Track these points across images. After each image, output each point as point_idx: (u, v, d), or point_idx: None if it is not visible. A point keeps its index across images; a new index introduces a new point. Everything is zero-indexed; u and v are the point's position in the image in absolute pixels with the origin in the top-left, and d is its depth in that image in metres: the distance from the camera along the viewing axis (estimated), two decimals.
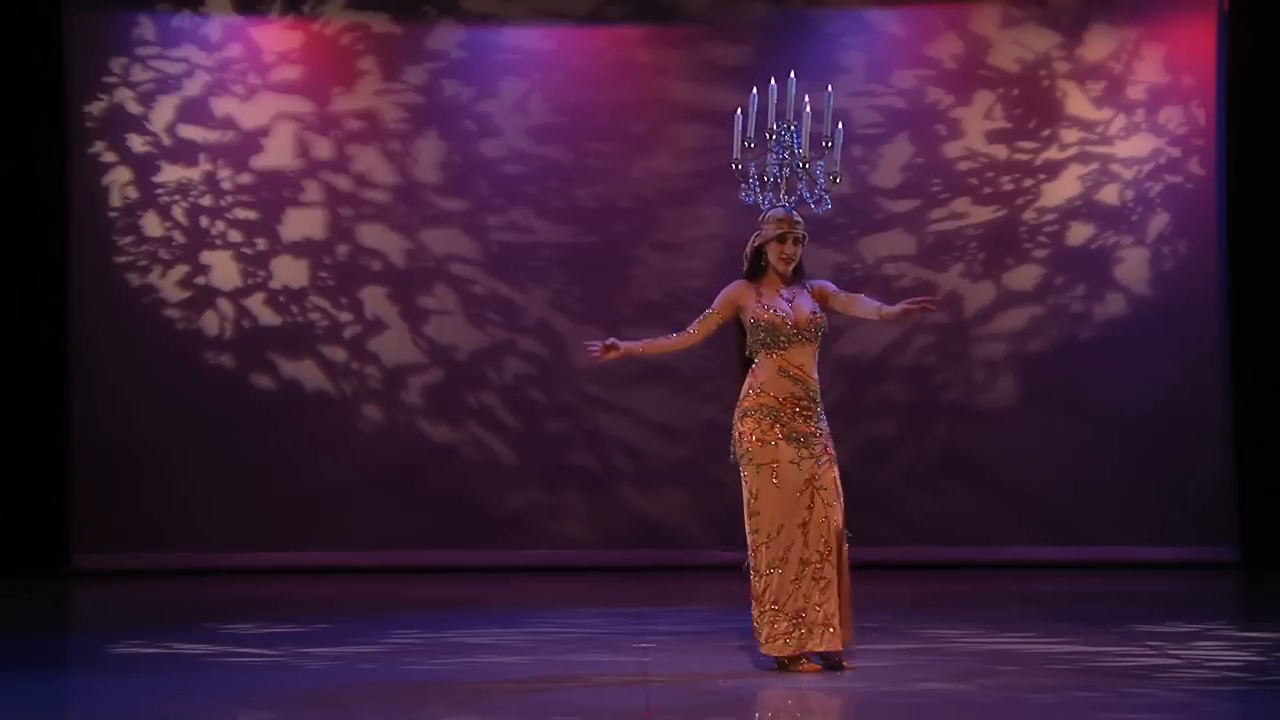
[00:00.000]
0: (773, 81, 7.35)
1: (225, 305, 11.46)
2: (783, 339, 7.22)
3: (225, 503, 11.27)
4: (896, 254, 11.52)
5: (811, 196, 7.39)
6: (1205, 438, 11.38)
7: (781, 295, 7.28)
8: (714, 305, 7.33)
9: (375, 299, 11.52)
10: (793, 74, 7.40)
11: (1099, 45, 11.52)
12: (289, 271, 11.49)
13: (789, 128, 7.34)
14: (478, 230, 11.53)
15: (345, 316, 11.50)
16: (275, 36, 11.48)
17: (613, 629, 8.65)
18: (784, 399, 7.21)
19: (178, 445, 11.30)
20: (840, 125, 7.47)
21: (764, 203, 7.40)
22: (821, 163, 7.41)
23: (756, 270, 7.34)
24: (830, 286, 7.43)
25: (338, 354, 11.48)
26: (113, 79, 11.43)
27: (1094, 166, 11.52)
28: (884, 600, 9.81)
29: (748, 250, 7.33)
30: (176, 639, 8.25)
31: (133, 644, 8.11)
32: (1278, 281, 11.27)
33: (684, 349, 7.46)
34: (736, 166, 7.44)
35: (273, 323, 11.46)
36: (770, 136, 7.36)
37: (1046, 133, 11.54)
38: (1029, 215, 11.53)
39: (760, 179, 7.42)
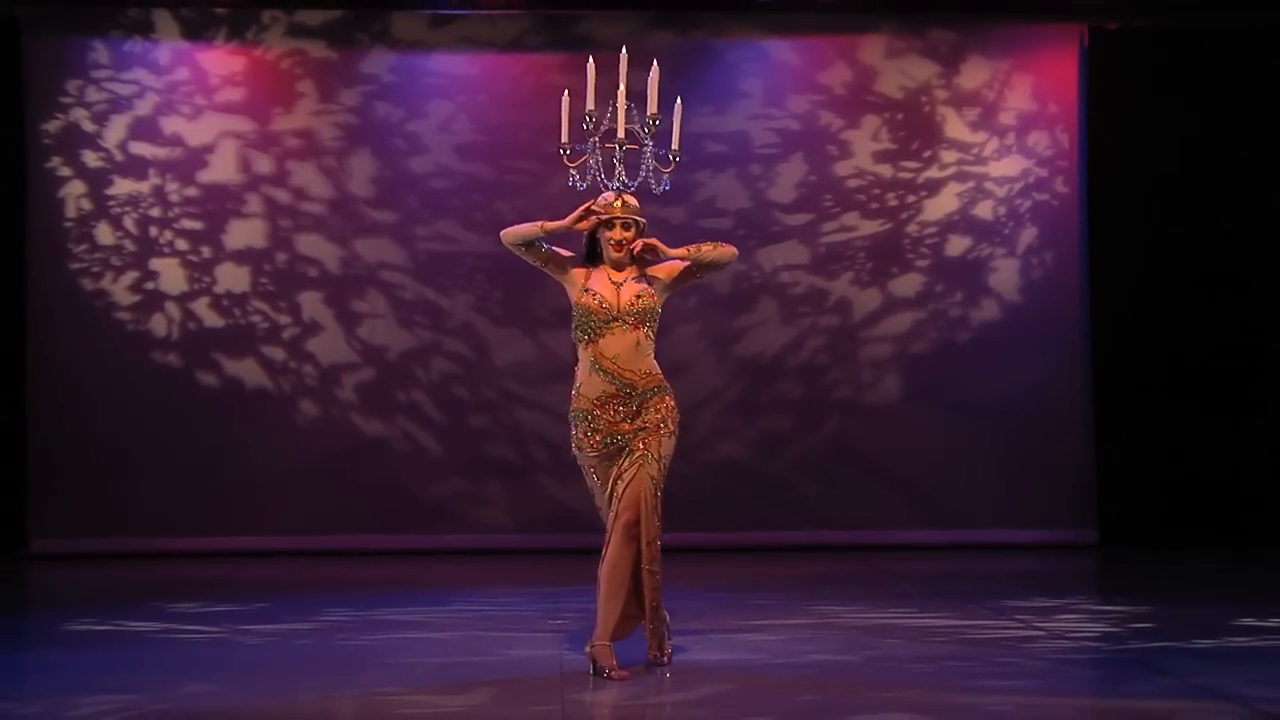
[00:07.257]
0: (590, 61, 6.55)
1: (173, 308, 11.38)
2: (597, 326, 6.43)
3: (172, 491, 11.19)
4: (792, 263, 11.60)
5: (651, 176, 6.56)
6: (1068, 431, 11.54)
7: (611, 281, 6.50)
8: (567, 291, 6.60)
9: (312, 303, 11.47)
10: (624, 49, 6.58)
11: (974, 75, 11.66)
12: (232, 277, 11.42)
13: (627, 108, 6.52)
14: (406, 240, 11.52)
15: (284, 319, 11.45)
16: (220, 61, 11.41)
17: (530, 607, 8.67)
18: (596, 400, 6.45)
19: (129, 438, 11.22)
20: (679, 99, 6.62)
21: (602, 187, 6.62)
22: (650, 143, 6.52)
23: (593, 257, 6.58)
24: (679, 263, 6.55)
25: (277, 354, 11.43)
26: (69, 99, 11.32)
27: (970, 184, 11.65)
28: (777, 580, 9.89)
29: (584, 236, 6.58)
30: (126, 617, 8.21)
31: (85, 622, 8.05)
32: (1133, 289, 11.46)
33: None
34: (564, 152, 6.54)
35: (216, 325, 11.39)
36: (588, 121, 6.51)
37: (927, 154, 11.66)
38: (912, 228, 11.65)
39: (600, 163, 6.56)
